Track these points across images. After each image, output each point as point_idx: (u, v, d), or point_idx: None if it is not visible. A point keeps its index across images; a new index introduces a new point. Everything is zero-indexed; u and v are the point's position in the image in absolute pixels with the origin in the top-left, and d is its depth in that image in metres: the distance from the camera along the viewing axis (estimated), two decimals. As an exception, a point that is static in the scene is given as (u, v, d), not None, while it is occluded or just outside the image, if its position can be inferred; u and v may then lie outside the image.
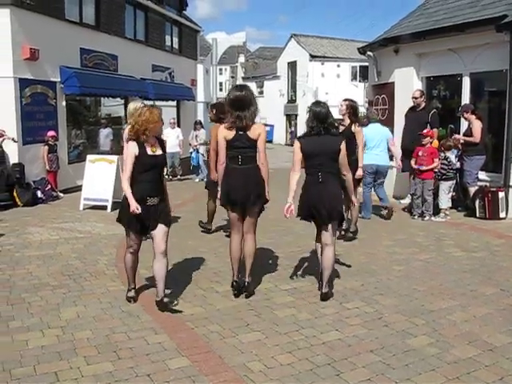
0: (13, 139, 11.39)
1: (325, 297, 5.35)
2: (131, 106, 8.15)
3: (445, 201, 9.25)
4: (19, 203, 11.06)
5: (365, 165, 8.23)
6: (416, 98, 10.11)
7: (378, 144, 9.21)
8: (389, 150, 9.59)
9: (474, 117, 9.46)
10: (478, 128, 9.33)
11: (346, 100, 8.02)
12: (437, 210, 9.29)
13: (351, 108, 7.85)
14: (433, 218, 9.22)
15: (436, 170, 9.18)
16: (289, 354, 4.14)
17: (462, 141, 9.63)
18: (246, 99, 5.27)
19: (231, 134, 5.29)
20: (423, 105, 10.15)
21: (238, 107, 5.25)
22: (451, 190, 9.34)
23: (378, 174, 9.30)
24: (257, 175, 5.35)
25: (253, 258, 5.47)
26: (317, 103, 5.50)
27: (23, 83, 11.81)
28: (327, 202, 5.28)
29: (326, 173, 5.30)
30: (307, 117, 5.47)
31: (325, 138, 5.30)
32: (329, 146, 5.30)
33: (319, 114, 5.31)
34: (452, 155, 9.37)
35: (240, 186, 5.29)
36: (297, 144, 5.42)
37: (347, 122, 7.88)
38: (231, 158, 5.36)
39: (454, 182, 9.41)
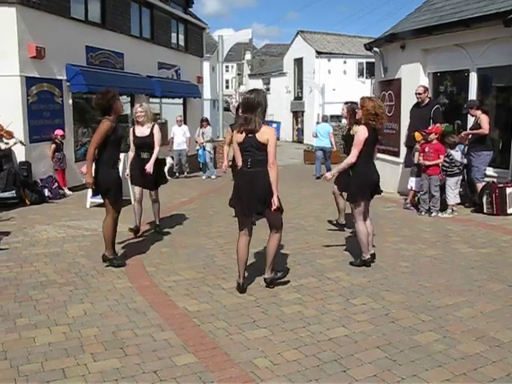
0: (20, 142, 11.41)
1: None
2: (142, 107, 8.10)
3: (452, 197, 9.20)
4: (26, 202, 11.10)
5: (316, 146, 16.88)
6: (420, 94, 10.04)
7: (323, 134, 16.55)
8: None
9: (479, 111, 9.42)
10: (486, 121, 9.28)
11: (346, 103, 8.42)
12: (444, 206, 9.26)
13: (352, 111, 8.11)
14: (440, 214, 9.18)
15: (440, 165, 9.16)
16: (295, 350, 4.14)
17: (469, 136, 9.58)
18: (253, 101, 5.27)
19: (241, 137, 5.35)
20: (427, 100, 10.07)
21: (246, 109, 5.33)
22: (458, 185, 9.27)
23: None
24: (264, 180, 5.29)
25: (273, 256, 5.52)
26: None
27: (30, 81, 11.85)
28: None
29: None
30: None
31: None
32: None
33: None
34: (457, 152, 9.29)
35: (247, 192, 5.32)
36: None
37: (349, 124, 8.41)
38: (242, 161, 5.43)
39: (461, 177, 9.34)
